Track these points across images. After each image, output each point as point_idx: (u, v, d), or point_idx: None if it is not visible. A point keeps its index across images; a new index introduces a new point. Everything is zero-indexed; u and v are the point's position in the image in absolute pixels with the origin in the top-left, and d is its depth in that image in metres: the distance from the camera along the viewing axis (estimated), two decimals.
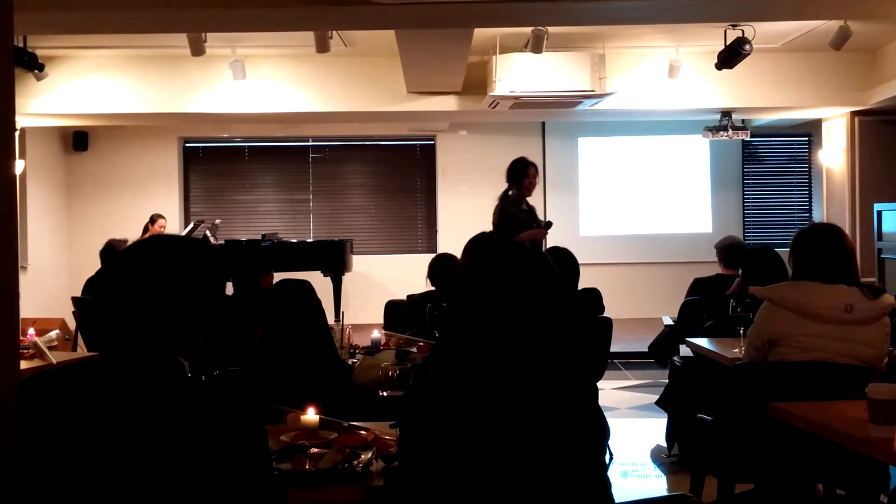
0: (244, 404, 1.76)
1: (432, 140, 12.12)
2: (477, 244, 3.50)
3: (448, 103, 9.38)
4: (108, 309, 1.78)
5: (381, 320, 6.21)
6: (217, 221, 11.16)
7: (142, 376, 1.72)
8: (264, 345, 3.30)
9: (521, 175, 6.64)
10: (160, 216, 10.24)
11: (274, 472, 1.94)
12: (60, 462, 1.68)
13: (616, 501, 2.05)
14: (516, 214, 6.60)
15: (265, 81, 9.16)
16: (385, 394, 2.72)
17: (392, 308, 6.24)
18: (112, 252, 7.21)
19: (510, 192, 6.68)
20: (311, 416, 2.69)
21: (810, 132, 11.97)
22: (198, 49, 7.78)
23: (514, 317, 2.00)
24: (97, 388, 1.72)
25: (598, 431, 2.04)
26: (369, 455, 2.45)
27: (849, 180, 10.03)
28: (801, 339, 3.39)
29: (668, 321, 6.18)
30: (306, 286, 3.44)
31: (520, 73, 8.43)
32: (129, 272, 1.79)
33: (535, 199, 11.90)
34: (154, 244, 1.84)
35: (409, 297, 5.74)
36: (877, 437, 2.54)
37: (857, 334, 3.38)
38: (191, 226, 10.82)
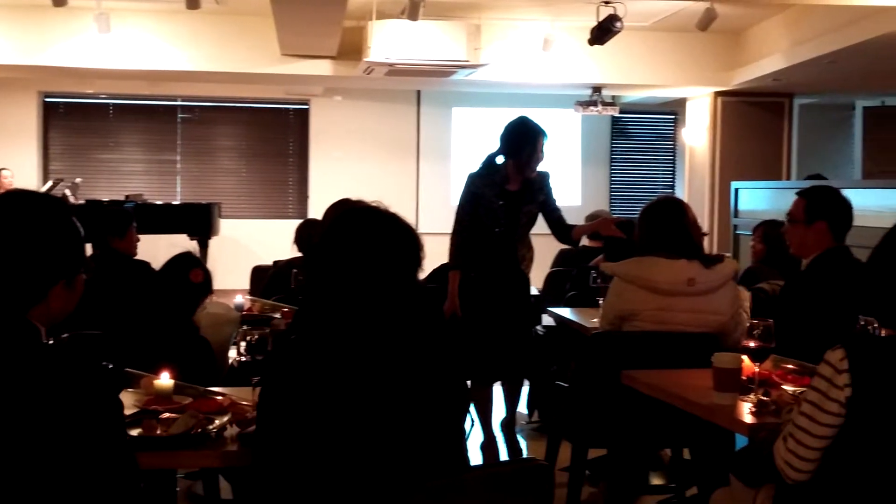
0: (97, 368, 1.72)
1: (306, 104, 11.95)
2: (336, 209, 3.46)
3: (322, 67, 9.24)
4: None
5: (248, 286, 6.11)
6: (77, 180, 10.71)
7: None
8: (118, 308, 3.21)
9: (525, 145, 4.46)
10: (3, 168, 9.81)
11: (126, 437, 1.89)
12: None
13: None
14: (483, 197, 4.52)
15: (132, 36, 8.81)
16: (243, 359, 2.68)
17: (259, 273, 6.15)
18: None
19: (498, 163, 4.56)
20: (164, 380, 2.63)
21: (676, 110, 12.32)
22: None
23: (370, 282, 1.99)
24: None
25: (458, 398, 2.06)
26: (224, 420, 2.41)
27: (710, 158, 10.39)
28: (651, 313, 3.52)
29: (533, 291, 6.28)
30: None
31: (395, 39, 8.37)
32: None
33: (408, 169, 12.13)
34: None
35: (275, 262, 5.67)
36: (720, 404, 2.67)
37: (703, 304, 3.52)
38: (49, 184, 10.36)
